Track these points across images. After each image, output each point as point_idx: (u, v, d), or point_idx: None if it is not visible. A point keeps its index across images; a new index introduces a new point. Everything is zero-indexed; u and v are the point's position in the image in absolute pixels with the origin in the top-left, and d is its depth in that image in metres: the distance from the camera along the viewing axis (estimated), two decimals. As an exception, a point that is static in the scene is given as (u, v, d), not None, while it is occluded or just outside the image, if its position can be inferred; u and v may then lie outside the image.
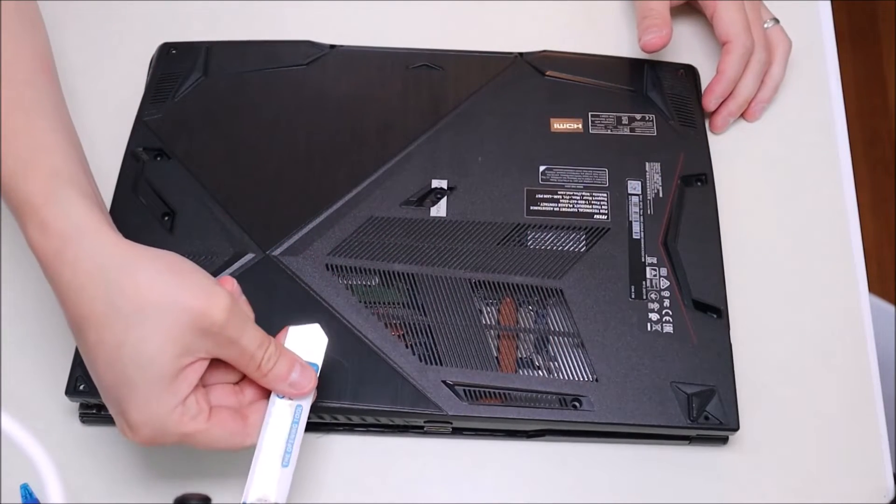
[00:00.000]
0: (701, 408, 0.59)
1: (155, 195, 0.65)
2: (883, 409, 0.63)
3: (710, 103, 0.71)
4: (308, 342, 0.55)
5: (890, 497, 0.60)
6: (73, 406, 0.61)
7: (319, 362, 0.55)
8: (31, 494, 0.56)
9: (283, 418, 0.53)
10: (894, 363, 0.95)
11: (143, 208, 0.65)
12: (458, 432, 0.61)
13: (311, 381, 0.54)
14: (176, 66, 0.71)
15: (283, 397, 0.54)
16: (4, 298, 0.65)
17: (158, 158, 0.67)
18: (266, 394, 0.54)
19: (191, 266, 0.52)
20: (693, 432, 0.60)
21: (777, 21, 0.73)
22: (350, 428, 0.61)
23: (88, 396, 0.59)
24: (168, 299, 0.50)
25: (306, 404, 0.54)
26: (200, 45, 0.72)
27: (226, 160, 0.67)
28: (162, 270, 0.51)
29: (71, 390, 0.59)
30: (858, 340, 0.65)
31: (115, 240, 0.51)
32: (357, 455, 0.61)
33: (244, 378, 0.54)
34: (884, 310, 1.10)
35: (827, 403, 0.63)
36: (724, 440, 0.61)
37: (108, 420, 0.61)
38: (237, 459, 0.61)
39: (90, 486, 0.60)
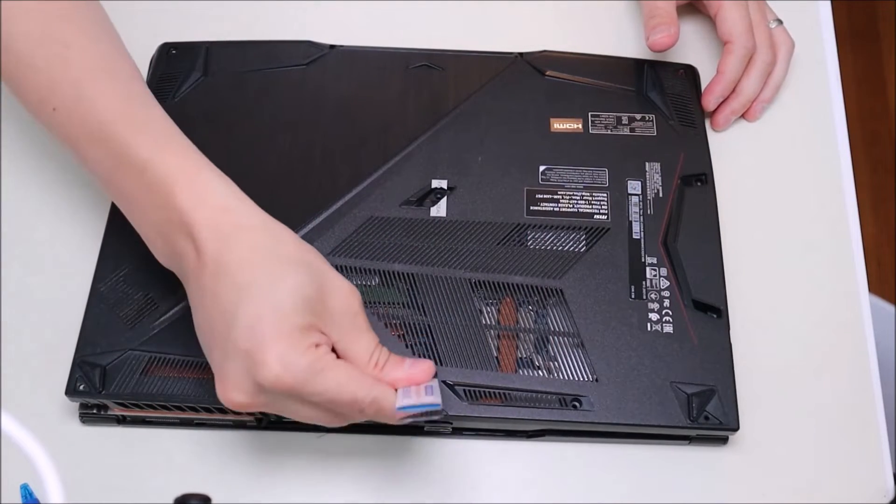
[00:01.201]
0: (701, 408, 0.59)
1: (155, 195, 0.65)
2: (883, 409, 0.63)
3: (709, 103, 0.71)
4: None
5: (890, 497, 0.60)
6: (73, 406, 0.61)
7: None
8: (31, 494, 0.56)
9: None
10: (894, 363, 0.95)
11: (143, 208, 0.65)
12: (458, 432, 0.61)
13: (427, 370, 0.53)
14: (176, 66, 0.71)
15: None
16: (4, 298, 0.65)
17: (158, 158, 0.67)
18: None
19: None
20: (693, 432, 0.60)
21: (780, 22, 0.73)
22: (350, 428, 0.61)
23: (88, 396, 0.59)
24: (325, 264, 0.53)
25: (435, 385, 0.53)
26: (200, 45, 0.72)
27: (226, 160, 0.67)
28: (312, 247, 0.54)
29: (71, 390, 0.59)
30: (858, 340, 0.65)
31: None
32: (357, 455, 0.61)
33: None
34: (884, 310, 1.10)
35: (827, 403, 0.63)
36: (724, 440, 0.61)
37: (108, 420, 0.61)
38: (237, 459, 0.61)
39: (90, 486, 0.60)
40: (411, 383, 0.53)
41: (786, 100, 0.74)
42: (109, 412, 0.60)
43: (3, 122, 0.72)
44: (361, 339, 0.53)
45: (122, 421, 0.61)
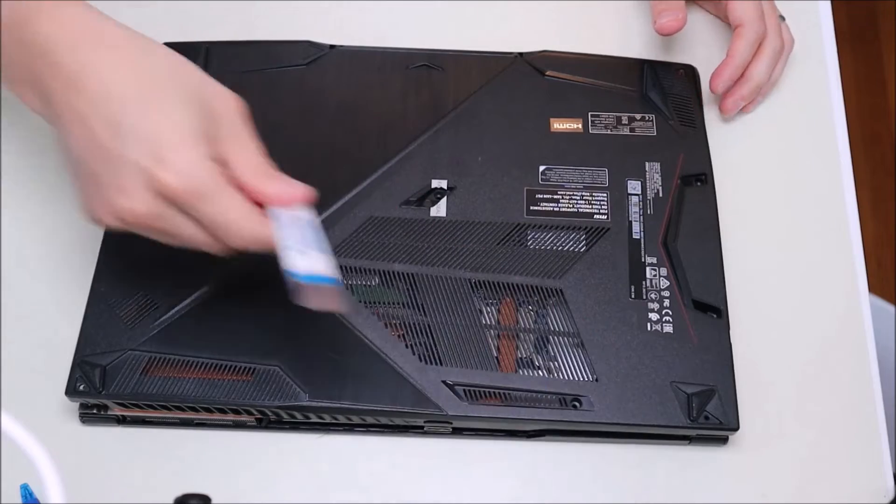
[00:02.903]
0: (701, 408, 0.59)
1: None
2: (883, 409, 0.63)
3: (717, 86, 0.70)
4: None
5: (890, 497, 0.60)
6: (73, 406, 0.61)
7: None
8: (31, 494, 0.56)
9: (294, 216, 0.53)
10: (894, 363, 0.95)
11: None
12: (458, 432, 0.61)
13: (303, 191, 0.53)
14: (176, 66, 0.71)
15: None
16: (4, 299, 0.65)
17: (158, 158, 0.67)
18: None
19: None
20: (693, 432, 0.60)
21: (783, 19, 0.73)
22: (350, 428, 0.61)
23: (88, 396, 0.59)
24: (199, 73, 0.54)
25: (316, 224, 0.53)
26: (200, 45, 0.72)
27: (226, 160, 0.67)
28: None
29: (71, 390, 0.59)
30: (858, 340, 0.65)
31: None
32: (357, 455, 0.61)
33: None
34: (884, 310, 1.10)
35: (827, 403, 0.63)
36: (724, 440, 0.61)
37: (108, 420, 0.61)
38: (237, 459, 0.61)
39: (90, 486, 0.60)
40: (282, 200, 0.53)
41: (786, 100, 0.74)
42: (109, 412, 0.60)
43: (4, 122, 0.72)
44: (250, 144, 0.53)
45: (122, 421, 0.61)
